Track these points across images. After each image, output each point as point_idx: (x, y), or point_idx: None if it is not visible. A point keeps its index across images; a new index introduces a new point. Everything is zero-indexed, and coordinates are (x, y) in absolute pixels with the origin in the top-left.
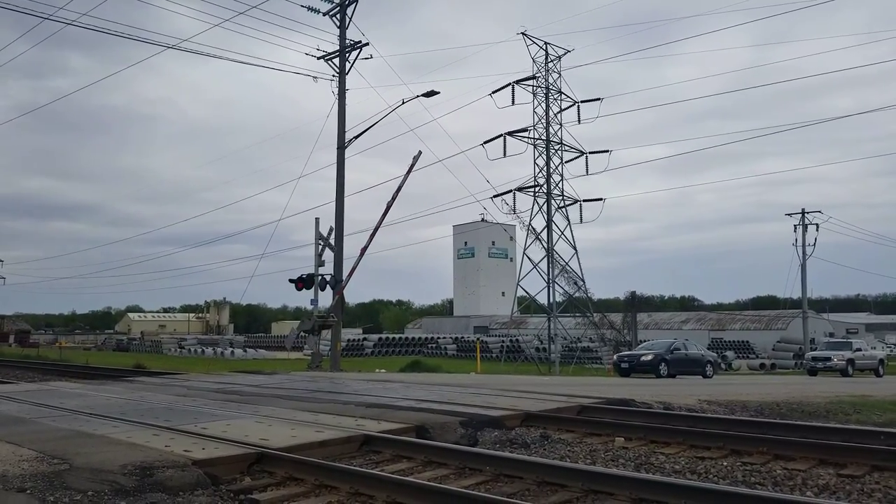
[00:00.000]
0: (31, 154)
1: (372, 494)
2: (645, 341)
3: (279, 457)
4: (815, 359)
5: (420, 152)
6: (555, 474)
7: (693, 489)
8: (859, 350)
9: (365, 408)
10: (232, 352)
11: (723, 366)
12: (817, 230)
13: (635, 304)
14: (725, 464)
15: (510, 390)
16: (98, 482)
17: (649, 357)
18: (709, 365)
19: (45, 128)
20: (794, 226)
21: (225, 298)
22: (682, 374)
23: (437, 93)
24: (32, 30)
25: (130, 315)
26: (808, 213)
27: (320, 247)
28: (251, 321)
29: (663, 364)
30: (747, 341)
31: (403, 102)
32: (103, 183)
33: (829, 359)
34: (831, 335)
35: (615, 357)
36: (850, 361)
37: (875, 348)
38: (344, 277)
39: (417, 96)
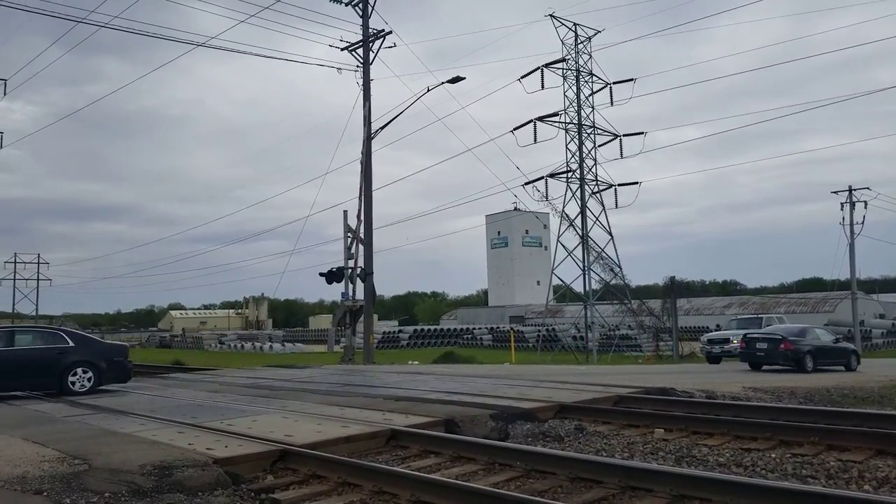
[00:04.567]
0: (70, 158)
1: (396, 493)
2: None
3: (303, 454)
4: (711, 341)
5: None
6: (589, 469)
7: (739, 485)
8: None
9: (393, 401)
10: (270, 346)
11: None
12: (865, 208)
13: (674, 289)
14: (774, 455)
15: (544, 381)
16: (116, 483)
17: None
18: None
19: (83, 132)
20: (841, 204)
21: (263, 294)
22: None
23: (463, 78)
24: (66, 35)
25: (172, 312)
26: (855, 190)
27: (349, 239)
28: (290, 315)
29: None
30: None
31: (428, 90)
32: (140, 184)
33: (727, 340)
34: (882, 316)
35: None
36: None
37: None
38: (374, 269)
39: (442, 83)
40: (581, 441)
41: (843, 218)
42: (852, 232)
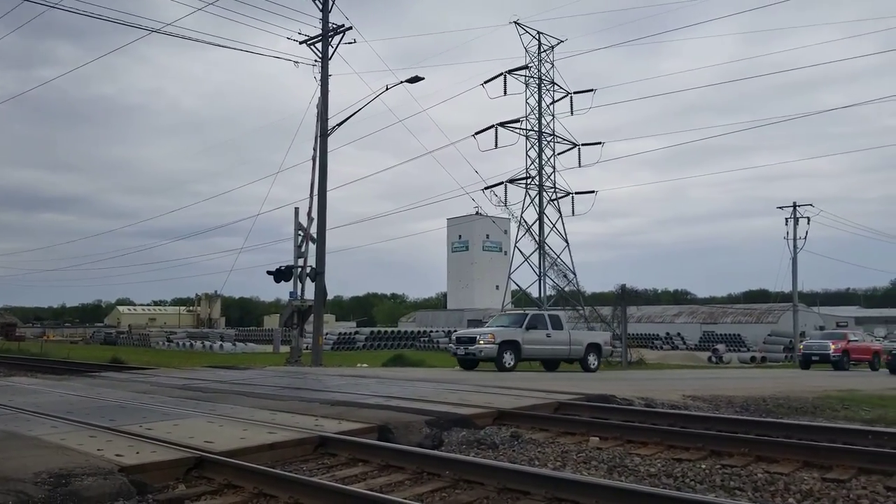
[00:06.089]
0: (19, 145)
1: None
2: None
3: (219, 462)
4: (459, 340)
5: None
6: (518, 480)
7: (667, 499)
8: (535, 328)
9: (329, 406)
10: (221, 345)
11: (713, 359)
12: (808, 224)
13: (624, 297)
14: (704, 466)
15: (490, 386)
16: (2, 493)
17: None
18: None
19: (34, 119)
20: (786, 219)
21: (216, 291)
22: None
23: (422, 78)
24: (12, 12)
25: (120, 308)
26: (799, 206)
27: (300, 237)
28: (244, 314)
29: None
30: (739, 334)
31: (387, 88)
32: (93, 174)
33: (472, 340)
34: (822, 328)
35: None
36: (511, 346)
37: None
38: (325, 269)
39: (402, 82)
40: (515, 449)
41: (787, 233)
42: (795, 246)
